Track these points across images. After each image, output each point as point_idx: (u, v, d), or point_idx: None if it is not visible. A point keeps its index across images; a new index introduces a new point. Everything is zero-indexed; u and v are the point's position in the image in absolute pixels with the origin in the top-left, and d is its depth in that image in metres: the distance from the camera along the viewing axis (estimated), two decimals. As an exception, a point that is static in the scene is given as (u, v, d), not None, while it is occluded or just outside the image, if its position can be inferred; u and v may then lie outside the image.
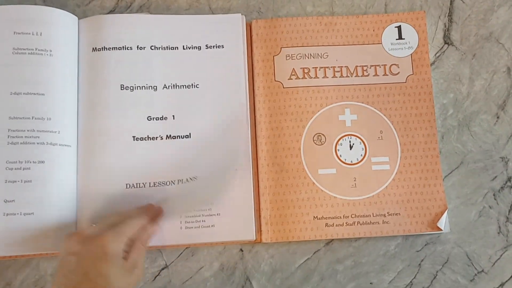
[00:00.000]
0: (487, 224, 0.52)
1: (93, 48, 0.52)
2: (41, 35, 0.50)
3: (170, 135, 0.51)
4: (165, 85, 0.52)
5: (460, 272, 0.51)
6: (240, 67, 0.53)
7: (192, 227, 0.50)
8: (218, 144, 0.51)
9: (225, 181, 0.50)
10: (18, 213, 0.47)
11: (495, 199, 0.53)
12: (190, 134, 0.51)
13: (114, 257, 0.41)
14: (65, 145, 0.49)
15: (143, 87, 0.52)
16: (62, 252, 0.42)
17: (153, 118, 0.51)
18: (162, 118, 0.51)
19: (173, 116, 0.52)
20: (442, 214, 0.51)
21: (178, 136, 0.51)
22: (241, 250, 0.51)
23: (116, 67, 0.52)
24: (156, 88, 0.52)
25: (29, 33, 0.50)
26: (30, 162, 0.48)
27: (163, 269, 0.51)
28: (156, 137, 0.51)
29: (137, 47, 0.52)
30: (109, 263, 0.41)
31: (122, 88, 0.52)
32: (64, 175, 0.49)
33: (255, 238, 0.50)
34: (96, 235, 0.42)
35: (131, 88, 0.52)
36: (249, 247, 0.51)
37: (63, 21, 0.51)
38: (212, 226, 0.50)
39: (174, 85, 0.52)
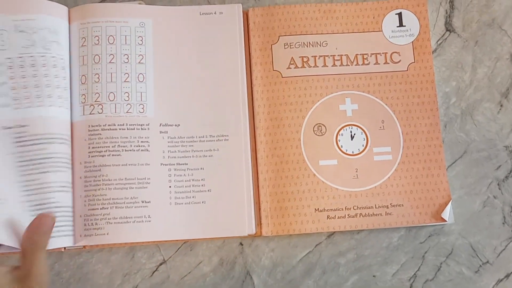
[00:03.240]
0: (491, 215, 0.51)
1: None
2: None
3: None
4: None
5: (465, 264, 0.50)
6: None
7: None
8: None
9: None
10: None
11: (499, 188, 0.52)
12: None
13: None
14: None
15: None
16: None
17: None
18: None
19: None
20: (446, 205, 0.50)
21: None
22: (241, 244, 0.50)
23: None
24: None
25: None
26: None
27: (161, 264, 0.49)
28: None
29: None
30: None
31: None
32: None
33: (255, 232, 0.49)
34: None
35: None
36: (249, 240, 0.50)
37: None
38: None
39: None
